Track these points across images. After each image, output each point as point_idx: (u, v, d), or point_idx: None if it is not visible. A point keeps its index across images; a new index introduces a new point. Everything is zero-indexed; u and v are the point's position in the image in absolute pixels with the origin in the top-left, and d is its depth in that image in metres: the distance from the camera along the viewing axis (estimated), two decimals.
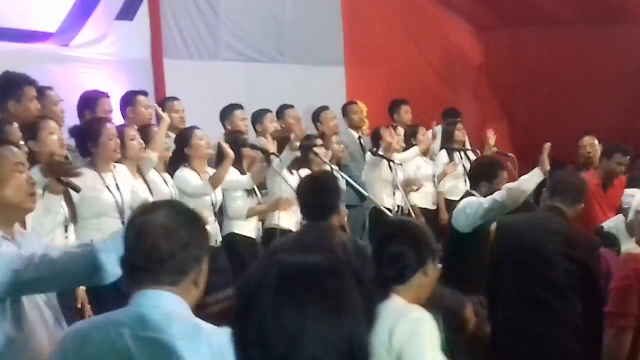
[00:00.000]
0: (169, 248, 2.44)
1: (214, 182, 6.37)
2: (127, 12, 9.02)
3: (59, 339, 2.54)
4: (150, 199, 5.78)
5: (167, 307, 2.42)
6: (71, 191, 4.78)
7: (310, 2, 11.09)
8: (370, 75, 11.29)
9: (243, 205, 6.79)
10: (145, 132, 6.17)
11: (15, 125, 4.83)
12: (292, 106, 8.63)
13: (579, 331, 4.72)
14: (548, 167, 6.02)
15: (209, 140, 6.62)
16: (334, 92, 10.56)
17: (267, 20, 10.59)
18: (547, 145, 6.39)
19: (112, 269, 2.90)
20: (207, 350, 2.34)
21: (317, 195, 4.50)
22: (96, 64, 8.60)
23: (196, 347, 2.33)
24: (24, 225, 3.57)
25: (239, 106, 7.91)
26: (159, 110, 6.23)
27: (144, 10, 9.20)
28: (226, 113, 7.85)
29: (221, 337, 2.32)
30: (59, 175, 4.44)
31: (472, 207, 5.62)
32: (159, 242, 2.44)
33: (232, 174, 6.62)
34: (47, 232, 4.58)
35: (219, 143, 6.63)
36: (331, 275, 1.70)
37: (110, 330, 2.40)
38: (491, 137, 9.05)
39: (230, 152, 6.40)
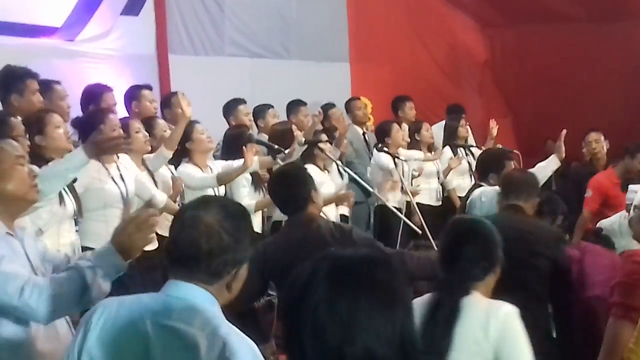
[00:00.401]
0: (208, 249, 2.42)
1: (223, 179, 6.36)
2: (132, 7, 9.04)
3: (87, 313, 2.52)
4: (155, 190, 5.80)
5: (195, 301, 2.41)
6: (76, 184, 4.83)
7: None
8: (375, 72, 11.28)
9: (250, 201, 6.75)
10: (149, 125, 6.14)
11: (19, 119, 4.79)
12: (304, 103, 8.60)
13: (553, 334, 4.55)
14: (564, 155, 5.97)
15: (210, 135, 6.59)
16: (339, 89, 10.56)
17: (273, 16, 10.59)
18: (563, 132, 6.36)
19: (100, 287, 2.94)
20: (218, 350, 2.31)
21: (287, 188, 4.46)
22: (101, 59, 8.61)
23: (212, 344, 2.31)
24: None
25: (242, 101, 7.89)
26: (185, 105, 6.14)
27: (149, 5, 9.21)
28: (230, 108, 7.83)
29: (238, 340, 2.36)
30: (109, 153, 4.55)
31: (488, 195, 5.59)
32: (199, 242, 2.42)
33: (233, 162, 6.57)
34: (44, 223, 4.60)
35: (234, 138, 6.64)
36: (382, 268, 1.74)
37: (135, 313, 2.41)
38: (494, 128, 9.01)
39: (249, 160, 6.30)
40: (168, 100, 7.21)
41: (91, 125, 5.35)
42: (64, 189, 4.75)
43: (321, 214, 6.27)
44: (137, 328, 2.38)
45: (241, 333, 2.44)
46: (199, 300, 2.42)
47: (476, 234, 3.40)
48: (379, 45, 11.48)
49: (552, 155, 5.90)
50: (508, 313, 3.25)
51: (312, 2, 10.99)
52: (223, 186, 6.55)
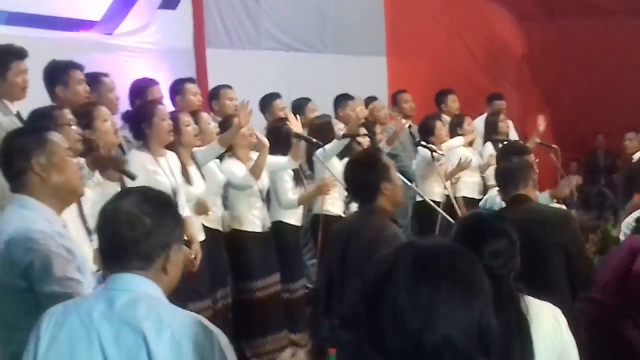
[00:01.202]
0: (132, 235, 2.45)
1: (255, 171, 6.34)
2: (170, 1, 9.03)
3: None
4: (202, 184, 5.87)
5: (136, 289, 2.44)
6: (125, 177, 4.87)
7: None
8: (412, 66, 11.20)
9: (293, 196, 6.81)
10: (193, 118, 6.12)
11: (66, 110, 4.76)
12: (352, 97, 8.54)
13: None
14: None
15: (252, 129, 6.56)
16: (376, 83, 10.51)
17: (310, 10, 10.57)
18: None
19: None
20: (169, 333, 2.35)
21: (357, 176, 4.29)
22: (139, 53, 8.60)
23: (159, 329, 2.35)
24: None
25: (277, 95, 7.89)
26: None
27: None
28: (265, 103, 7.83)
29: (184, 320, 2.41)
30: (106, 168, 4.55)
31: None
32: (122, 230, 2.45)
33: (273, 158, 6.60)
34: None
35: (277, 131, 6.62)
36: (464, 258, 1.77)
37: (81, 312, 2.43)
38: (541, 124, 8.90)
39: (264, 141, 6.38)
40: (217, 93, 7.28)
41: (141, 117, 5.45)
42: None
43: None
44: (86, 327, 2.40)
45: (186, 311, 2.51)
46: (139, 287, 2.45)
47: (500, 230, 3.28)
48: (416, 39, 11.41)
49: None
50: (560, 311, 3.17)
51: None
52: (267, 179, 6.55)
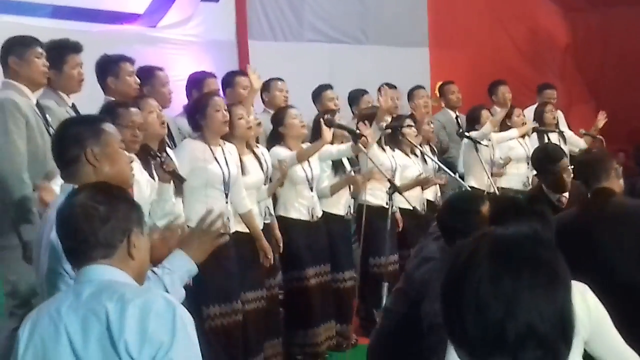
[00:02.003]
0: (90, 225, 2.51)
1: (300, 154, 6.35)
2: None
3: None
4: (258, 172, 5.93)
5: (101, 278, 2.49)
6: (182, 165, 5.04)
7: None
8: (455, 57, 11.11)
9: (325, 185, 6.78)
10: None
11: (130, 109, 4.81)
12: (394, 86, 8.41)
13: None
14: None
15: (303, 120, 6.56)
16: (418, 74, 10.38)
17: (352, 1, 10.58)
18: None
19: (174, 291, 3.00)
20: (132, 308, 2.38)
21: (448, 217, 4.08)
22: (182, 45, 8.66)
23: (123, 306, 2.38)
24: None
25: (328, 86, 7.85)
26: (254, 77, 6.35)
27: None
28: (316, 94, 7.82)
29: (147, 296, 2.44)
30: (172, 180, 4.76)
31: None
32: (79, 222, 2.52)
33: (334, 147, 6.66)
34: (158, 218, 4.74)
35: (319, 124, 6.50)
36: (545, 248, 1.73)
37: (51, 311, 2.48)
38: (601, 120, 8.79)
39: (326, 136, 6.33)
40: (267, 85, 7.30)
41: (196, 109, 5.54)
42: None
43: (403, 196, 6.19)
44: (54, 322, 2.44)
45: (151, 289, 2.61)
46: (104, 276, 2.50)
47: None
48: (459, 30, 11.33)
49: None
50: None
51: None
52: (318, 168, 6.55)
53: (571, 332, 1.69)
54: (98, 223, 2.50)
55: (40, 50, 5.03)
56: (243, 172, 5.75)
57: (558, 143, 8.37)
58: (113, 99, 5.39)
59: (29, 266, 4.63)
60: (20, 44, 5.01)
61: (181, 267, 3.07)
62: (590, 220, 4.38)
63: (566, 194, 5.38)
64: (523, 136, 8.49)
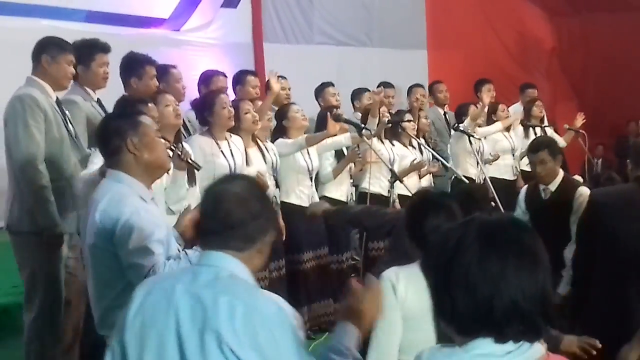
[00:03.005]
0: (242, 216, 2.35)
1: (309, 139, 6.37)
2: (231, 1, 9.15)
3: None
4: (261, 163, 5.89)
5: (224, 267, 2.33)
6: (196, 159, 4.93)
7: None
8: (450, 58, 11.19)
9: (329, 169, 6.81)
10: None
11: (152, 105, 4.85)
12: (391, 84, 8.56)
13: None
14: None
15: (304, 113, 6.61)
16: (417, 74, 10.46)
17: (357, 7, 10.62)
18: None
19: None
20: (242, 309, 2.20)
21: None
22: (203, 47, 8.72)
23: (234, 308, 2.20)
24: None
25: (330, 84, 7.87)
26: (273, 80, 6.26)
27: None
28: (319, 91, 7.85)
29: (259, 298, 2.26)
30: (187, 167, 4.71)
31: None
32: (233, 209, 2.35)
33: (335, 138, 6.62)
34: (172, 202, 4.75)
35: (324, 116, 6.59)
36: (528, 233, 1.80)
37: (167, 284, 2.35)
38: (579, 120, 8.85)
39: (332, 128, 6.36)
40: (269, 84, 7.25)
41: (204, 106, 5.50)
42: None
43: (403, 184, 6.30)
44: (168, 298, 2.30)
45: (266, 293, 2.39)
46: (226, 265, 2.34)
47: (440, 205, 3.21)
48: (454, 33, 11.37)
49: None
50: None
51: None
52: (317, 160, 6.58)
53: (549, 309, 1.75)
54: (250, 216, 2.36)
55: (71, 57, 4.97)
56: (247, 163, 5.75)
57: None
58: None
59: (45, 253, 4.69)
60: (56, 46, 4.93)
61: None
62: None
63: (552, 185, 5.36)
64: (508, 129, 8.58)
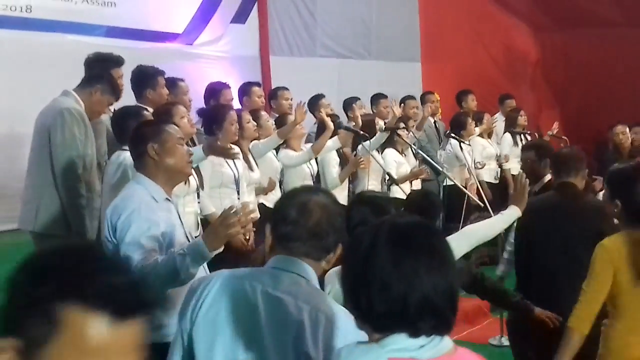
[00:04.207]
0: (328, 228, 2.27)
1: (316, 147, 6.34)
2: (240, 17, 9.15)
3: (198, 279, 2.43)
4: (257, 173, 5.82)
5: (302, 274, 2.25)
6: (200, 165, 4.98)
7: (393, 6, 11.04)
8: (442, 70, 11.17)
9: (336, 175, 6.75)
10: (255, 116, 6.12)
11: (151, 110, 4.83)
12: (385, 96, 8.53)
13: None
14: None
15: (302, 123, 6.52)
16: (412, 85, 10.43)
17: (357, 22, 10.61)
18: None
19: (187, 270, 2.93)
20: (323, 319, 2.13)
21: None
22: (214, 60, 8.70)
23: (317, 319, 2.13)
24: None
25: (322, 96, 7.75)
26: (327, 120, 6.30)
27: (254, 14, 9.31)
28: (313, 102, 7.65)
29: (343, 317, 2.10)
30: (219, 155, 4.76)
31: None
32: (323, 220, 2.26)
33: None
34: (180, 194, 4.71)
35: (320, 117, 6.57)
36: (437, 236, 1.81)
37: (246, 283, 2.25)
38: (555, 129, 8.88)
39: (330, 124, 6.36)
40: (275, 93, 7.33)
41: (214, 119, 5.38)
42: None
43: (399, 189, 6.26)
44: (247, 294, 2.22)
45: (342, 307, 2.19)
46: (304, 274, 2.26)
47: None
48: (446, 47, 11.37)
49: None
50: None
51: (389, 10, 10.94)
52: (316, 164, 6.56)
53: (456, 304, 1.73)
54: (332, 229, 2.27)
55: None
56: (250, 168, 5.70)
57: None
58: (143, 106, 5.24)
59: None
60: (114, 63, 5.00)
61: (195, 252, 2.93)
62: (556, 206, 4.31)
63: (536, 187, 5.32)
64: (490, 136, 8.58)
